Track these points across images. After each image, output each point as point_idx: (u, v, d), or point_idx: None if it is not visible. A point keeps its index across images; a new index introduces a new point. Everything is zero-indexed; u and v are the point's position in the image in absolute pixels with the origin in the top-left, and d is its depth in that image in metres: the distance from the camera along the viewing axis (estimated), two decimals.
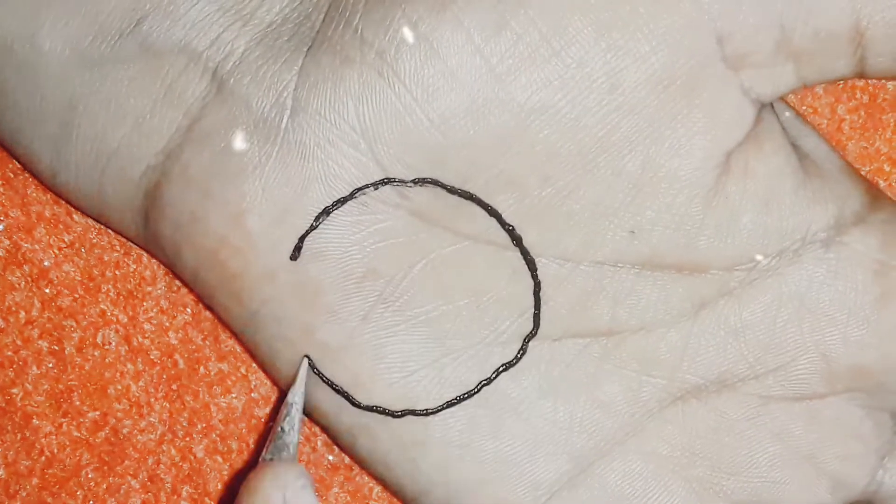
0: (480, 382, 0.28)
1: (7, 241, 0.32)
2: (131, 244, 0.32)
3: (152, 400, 0.32)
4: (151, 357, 0.32)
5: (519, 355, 0.28)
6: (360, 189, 0.27)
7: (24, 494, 0.32)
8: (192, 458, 0.32)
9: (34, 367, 0.32)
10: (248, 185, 0.27)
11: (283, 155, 0.27)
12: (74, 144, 0.28)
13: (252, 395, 0.32)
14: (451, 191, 0.27)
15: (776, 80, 0.28)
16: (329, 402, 0.28)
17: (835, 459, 0.29)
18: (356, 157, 0.27)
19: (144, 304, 0.32)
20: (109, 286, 0.32)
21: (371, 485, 0.32)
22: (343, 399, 0.28)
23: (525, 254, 0.28)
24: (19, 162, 0.31)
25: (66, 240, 0.32)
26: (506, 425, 0.28)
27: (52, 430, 0.32)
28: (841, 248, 0.28)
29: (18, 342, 0.32)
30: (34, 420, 0.32)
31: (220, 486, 0.32)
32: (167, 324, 0.32)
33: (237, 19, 0.27)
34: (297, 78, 0.27)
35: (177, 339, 0.32)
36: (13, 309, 0.32)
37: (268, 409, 0.32)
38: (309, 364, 0.28)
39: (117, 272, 0.32)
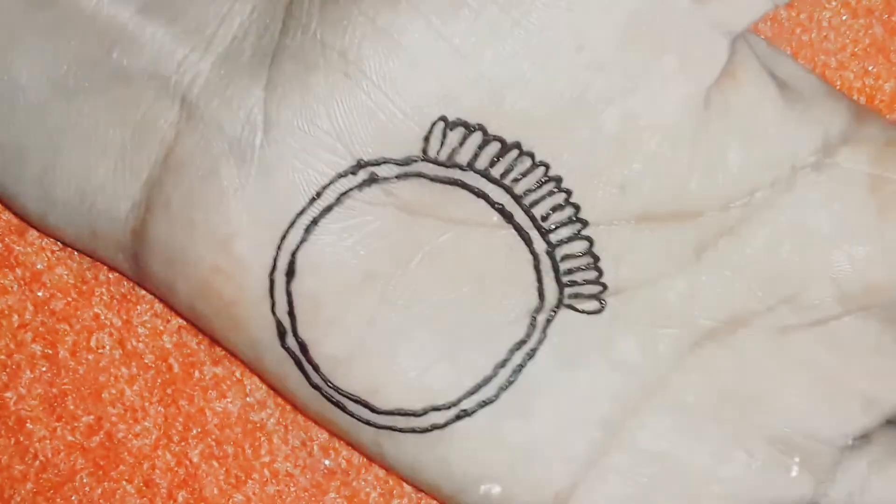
0: (496, 366, 0.28)
1: None
2: None
3: (147, 404, 0.32)
4: (146, 361, 0.32)
5: (529, 332, 0.28)
6: (344, 193, 0.27)
7: (18, 499, 0.32)
8: (188, 462, 0.32)
9: (27, 371, 0.32)
10: (231, 210, 0.27)
11: (262, 173, 0.27)
12: (59, 183, 0.28)
13: (247, 399, 0.32)
14: (436, 179, 0.27)
15: (745, 7, 0.27)
16: (348, 417, 0.28)
17: (862, 378, 0.29)
18: (336, 161, 0.27)
19: (138, 307, 0.32)
20: (103, 289, 0.32)
21: (368, 490, 0.32)
22: (363, 408, 0.28)
23: (518, 229, 0.28)
24: (9, 208, 0.30)
25: (58, 243, 0.32)
26: (529, 405, 0.28)
27: (46, 435, 0.32)
28: (832, 169, 0.28)
29: (11, 346, 0.32)
30: (28, 424, 0.32)
31: (215, 491, 0.32)
32: (161, 327, 0.32)
33: (200, 41, 0.27)
34: (264, 93, 0.27)
35: (171, 342, 0.32)
36: (6, 312, 0.32)
37: (263, 414, 0.32)
38: (323, 379, 0.28)
39: (111, 275, 0.32)
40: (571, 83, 0.27)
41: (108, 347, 0.32)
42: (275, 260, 0.27)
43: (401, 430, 0.28)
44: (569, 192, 0.27)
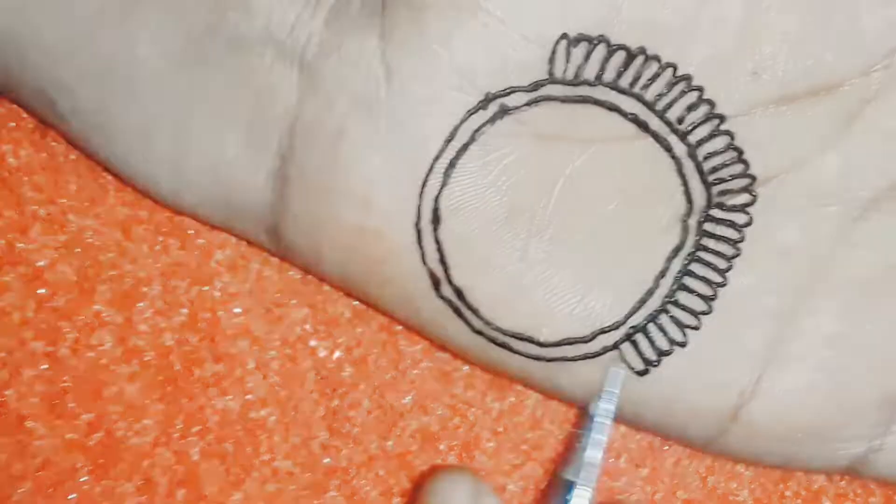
0: (656, 277, 0.28)
1: (1, 241, 0.32)
2: (126, 244, 0.32)
3: (147, 402, 0.32)
4: (147, 358, 0.32)
5: (683, 237, 0.28)
6: (477, 130, 0.27)
7: (17, 498, 0.32)
8: (188, 460, 0.32)
9: (28, 369, 0.32)
10: (366, 167, 0.27)
11: (391, 124, 0.27)
12: (191, 160, 0.28)
13: (248, 397, 0.32)
14: (566, 100, 0.27)
15: None
16: (516, 357, 0.28)
17: None
18: (464, 99, 0.27)
19: (140, 304, 0.32)
20: (104, 287, 0.32)
21: (368, 489, 0.32)
22: (530, 344, 0.28)
23: (656, 136, 0.27)
24: (139, 189, 0.30)
25: (60, 240, 0.32)
26: (697, 308, 0.28)
27: (46, 433, 0.32)
28: None
29: (12, 343, 0.32)
30: (28, 422, 0.32)
31: (215, 490, 0.32)
32: (162, 325, 0.32)
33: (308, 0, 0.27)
34: (381, 43, 0.26)
35: (172, 340, 0.32)
36: (7, 310, 0.32)
37: (263, 412, 0.32)
38: (485, 322, 0.27)
39: (112, 273, 0.32)
40: None
41: (108, 345, 0.32)
42: (418, 209, 0.27)
43: (572, 360, 0.28)
44: (701, 90, 0.27)
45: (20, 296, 0.32)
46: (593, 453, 0.28)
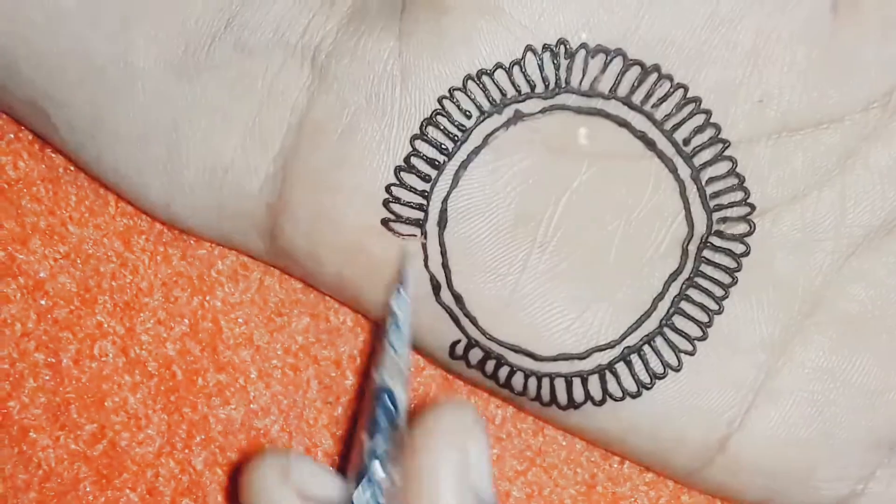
0: (654, 299, 0.28)
1: (2, 253, 0.32)
2: (127, 254, 0.32)
3: (150, 412, 0.32)
4: (149, 368, 0.32)
5: (682, 262, 0.28)
6: (490, 134, 0.27)
7: None
8: (192, 470, 0.32)
9: (31, 380, 0.32)
10: (377, 163, 0.27)
11: (403, 122, 0.27)
12: (185, 165, 0.28)
13: (251, 406, 0.32)
14: (579, 111, 0.27)
15: None
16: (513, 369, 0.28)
17: None
18: (479, 101, 0.27)
19: (141, 315, 0.32)
20: (106, 297, 0.32)
21: None
22: (525, 357, 0.28)
23: (662, 156, 0.28)
24: (129, 198, 0.30)
25: (61, 251, 0.32)
26: (692, 333, 0.28)
27: (49, 444, 0.32)
28: None
29: (14, 355, 0.32)
30: (31, 433, 0.32)
31: (219, 499, 0.32)
32: (164, 335, 0.32)
33: (324, 2, 0.27)
34: (398, 43, 0.27)
35: (174, 350, 0.32)
36: (9, 321, 0.32)
37: (267, 421, 0.32)
38: (481, 331, 0.27)
39: (114, 283, 0.32)
40: (703, 1, 0.27)
41: (111, 355, 0.32)
42: (426, 210, 0.27)
43: (566, 376, 0.28)
44: (709, 113, 0.27)
45: (21, 307, 0.32)
46: (398, 351, 0.27)
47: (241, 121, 0.27)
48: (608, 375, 0.28)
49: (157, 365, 0.32)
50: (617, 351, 0.28)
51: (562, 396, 0.28)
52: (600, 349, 0.28)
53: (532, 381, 0.28)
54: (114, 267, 0.32)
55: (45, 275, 0.32)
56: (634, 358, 0.28)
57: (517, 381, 0.28)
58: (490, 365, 0.28)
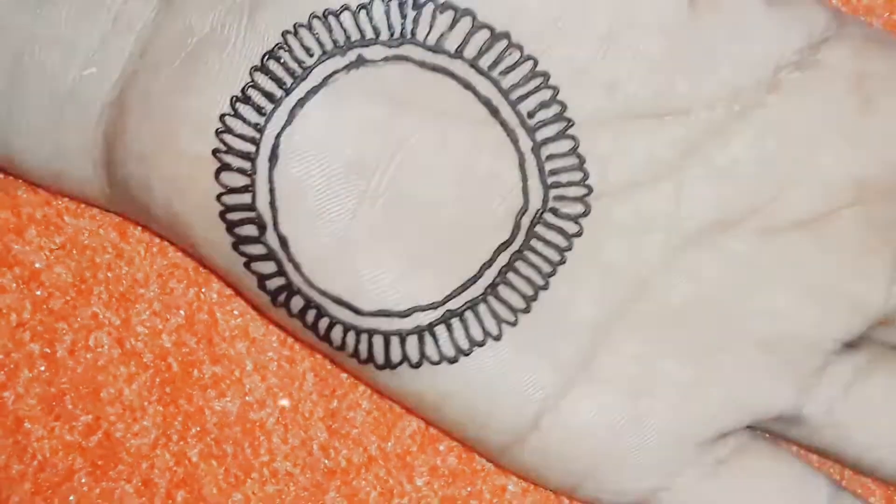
0: (482, 266, 0.28)
1: None
2: (123, 245, 0.31)
3: (146, 403, 0.32)
4: (144, 360, 0.32)
5: (514, 233, 0.28)
6: (330, 75, 0.26)
7: (16, 499, 0.32)
8: (187, 462, 0.32)
9: (26, 371, 0.32)
10: (214, 91, 0.26)
11: (246, 54, 0.26)
12: (26, 97, 0.27)
13: (247, 398, 0.32)
14: (423, 65, 0.27)
15: None
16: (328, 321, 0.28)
17: (850, 279, 0.28)
18: (324, 41, 0.26)
19: (137, 306, 0.32)
20: (101, 288, 0.32)
21: (368, 489, 0.32)
22: (346, 309, 0.27)
23: (505, 125, 0.27)
24: None
25: (57, 241, 0.31)
26: (516, 305, 0.28)
27: (44, 434, 0.32)
28: (815, 65, 0.28)
29: (9, 345, 0.32)
30: (26, 424, 0.32)
31: (214, 491, 0.32)
32: (160, 326, 0.32)
33: None
34: None
35: (170, 341, 0.32)
36: (4, 311, 0.32)
37: (262, 413, 0.32)
38: (304, 279, 0.27)
39: (109, 274, 0.32)
40: None
41: (106, 346, 0.32)
42: (258, 144, 0.26)
43: (384, 333, 0.27)
44: (556, 90, 0.27)
45: (17, 297, 0.32)
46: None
47: (83, 51, 0.27)
48: (427, 337, 0.28)
49: (153, 356, 0.32)
50: (439, 313, 0.27)
51: (379, 354, 0.28)
52: (422, 309, 0.27)
53: (351, 336, 0.28)
54: (109, 258, 0.32)
55: (40, 265, 0.32)
56: (455, 322, 0.28)
57: (336, 334, 0.28)
58: (311, 315, 0.28)
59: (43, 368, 0.32)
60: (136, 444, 0.32)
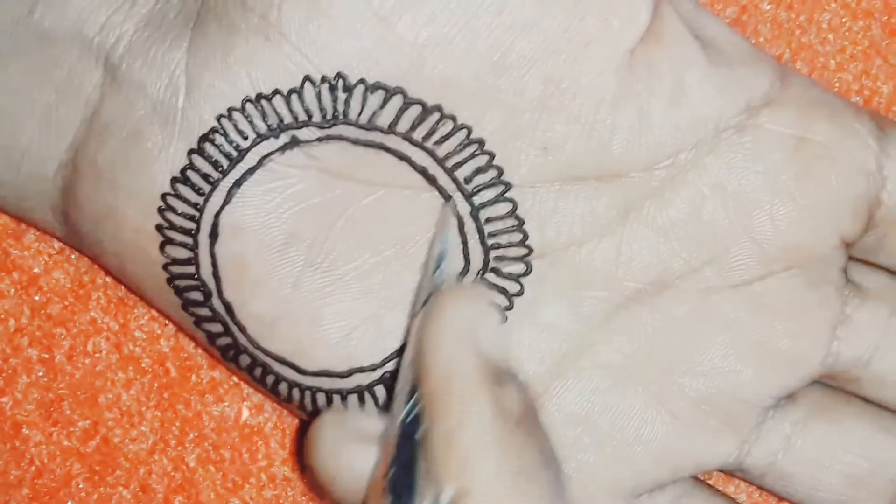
0: None
1: None
2: None
3: (144, 409, 0.32)
4: (143, 365, 0.32)
5: None
6: (266, 156, 0.27)
7: None
8: (185, 467, 0.32)
9: (24, 376, 0.32)
10: (155, 171, 0.27)
11: (184, 134, 0.27)
12: None
13: (244, 403, 0.32)
14: (357, 142, 0.27)
15: None
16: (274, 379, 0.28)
17: (786, 339, 0.29)
18: (257, 123, 0.27)
19: (135, 311, 0.32)
20: (100, 293, 0.32)
21: None
22: (290, 369, 0.28)
23: (442, 191, 0.28)
24: None
25: (55, 246, 0.32)
26: None
27: (42, 440, 0.32)
28: (755, 130, 0.28)
29: (8, 350, 0.32)
30: (24, 429, 0.32)
31: (212, 496, 0.32)
32: (158, 331, 0.32)
33: (124, 1, 0.27)
34: (186, 55, 0.27)
35: (168, 347, 0.32)
36: (2, 317, 0.32)
37: (261, 418, 0.32)
38: (249, 340, 0.28)
39: (107, 279, 0.32)
40: (493, 46, 0.27)
41: (104, 352, 0.32)
42: (198, 222, 0.27)
43: (327, 392, 0.28)
44: (492, 155, 0.27)
45: (15, 303, 0.32)
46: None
47: (40, 107, 0.28)
48: (367, 396, 0.28)
49: (151, 361, 0.32)
50: (377, 374, 0.28)
51: (323, 410, 0.28)
52: (362, 370, 0.28)
53: (296, 392, 0.28)
54: None
55: (39, 270, 0.32)
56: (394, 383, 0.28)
57: (282, 389, 0.28)
58: (258, 371, 0.28)
59: (41, 374, 0.32)
60: (134, 450, 0.32)
